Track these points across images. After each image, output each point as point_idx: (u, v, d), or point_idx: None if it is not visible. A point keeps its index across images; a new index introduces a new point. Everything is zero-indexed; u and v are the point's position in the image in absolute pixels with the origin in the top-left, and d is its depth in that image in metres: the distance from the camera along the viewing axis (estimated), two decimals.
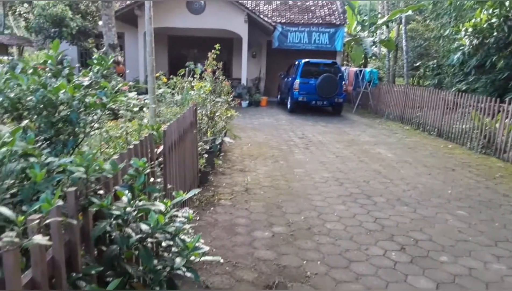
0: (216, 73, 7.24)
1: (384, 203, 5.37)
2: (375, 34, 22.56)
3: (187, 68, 8.55)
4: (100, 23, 13.71)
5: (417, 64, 21.54)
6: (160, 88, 7.42)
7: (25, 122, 1.57)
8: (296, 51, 17.54)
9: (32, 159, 1.52)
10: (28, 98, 2.10)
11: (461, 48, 12.54)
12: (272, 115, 13.81)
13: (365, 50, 20.07)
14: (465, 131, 9.53)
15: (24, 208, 1.45)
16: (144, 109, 5.34)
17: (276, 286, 3.28)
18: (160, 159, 3.51)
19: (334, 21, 17.78)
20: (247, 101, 15.98)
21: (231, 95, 8.16)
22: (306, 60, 13.90)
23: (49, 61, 2.11)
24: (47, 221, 1.12)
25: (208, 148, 6.26)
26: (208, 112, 6.81)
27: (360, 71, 15.45)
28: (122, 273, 1.91)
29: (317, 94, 13.43)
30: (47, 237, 1.07)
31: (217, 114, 7.16)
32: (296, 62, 14.58)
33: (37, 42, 19.93)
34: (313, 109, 14.63)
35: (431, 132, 11.06)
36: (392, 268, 3.68)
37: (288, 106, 14.63)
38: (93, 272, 1.56)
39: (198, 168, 5.76)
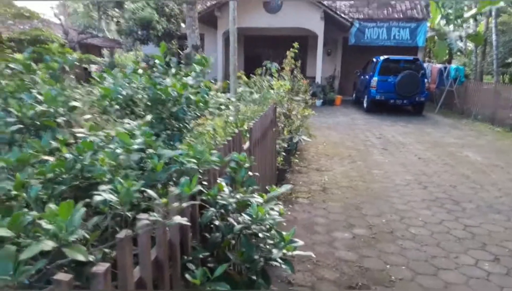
0: (294, 71, 7.27)
1: (474, 210, 5.00)
2: (461, 28, 20.91)
3: (264, 67, 8.71)
4: (183, 25, 14.48)
5: (509, 60, 19.53)
6: (239, 87, 7.66)
7: (148, 117, 1.76)
8: (373, 47, 16.92)
9: (150, 151, 1.69)
10: (140, 96, 2.32)
11: None
12: (347, 115, 13.50)
13: (449, 46, 18.71)
14: None
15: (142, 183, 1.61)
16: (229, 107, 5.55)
17: (359, 287, 3.24)
18: None
19: (416, 16, 16.83)
20: (321, 100, 15.81)
21: (309, 94, 8.16)
22: (385, 56, 13.36)
23: (157, 61, 2.32)
24: (186, 204, 1.25)
25: (286, 146, 6.33)
26: (285, 110, 6.88)
27: (445, 68, 14.46)
28: (221, 259, 2.04)
29: (397, 93, 12.85)
30: (186, 218, 1.19)
31: (293, 113, 7.20)
32: (374, 59, 14.08)
33: (126, 44, 21.61)
34: (391, 108, 14.02)
35: None
36: (485, 279, 3.44)
37: (364, 105, 14.20)
38: (200, 256, 1.69)
39: (276, 165, 5.85)
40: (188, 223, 1.29)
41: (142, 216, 1.20)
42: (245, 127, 4.38)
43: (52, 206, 0.91)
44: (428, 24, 17.87)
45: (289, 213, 4.77)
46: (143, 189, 1.21)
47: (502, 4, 16.86)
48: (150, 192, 1.21)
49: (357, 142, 9.02)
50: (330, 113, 13.66)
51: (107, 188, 1.14)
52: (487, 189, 5.84)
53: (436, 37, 18.57)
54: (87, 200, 1.56)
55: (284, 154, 6.14)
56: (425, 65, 15.02)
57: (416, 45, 16.94)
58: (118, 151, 1.37)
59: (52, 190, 1.27)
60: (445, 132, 10.46)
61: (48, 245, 0.85)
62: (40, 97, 1.68)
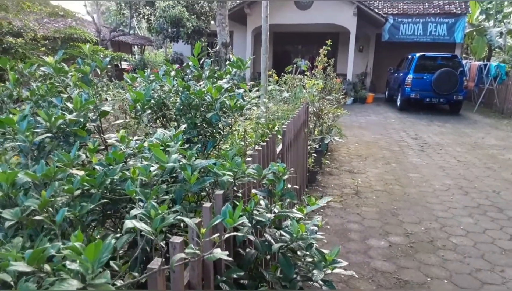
0: (328, 70, 7.05)
1: None
2: (502, 23, 19.87)
3: (295, 65, 8.51)
4: (213, 22, 14.44)
5: None
6: (269, 85, 7.50)
7: (183, 126, 1.65)
8: (408, 44, 16.33)
9: (183, 161, 1.57)
10: (172, 99, 2.22)
11: None
12: (380, 113, 13.09)
13: (489, 42, 17.81)
14: None
15: (177, 207, 1.51)
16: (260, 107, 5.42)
17: None
18: (278, 159, 3.50)
19: (454, 10, 16.09)
20: (352, 98, 15.41)
21: (342, 93, 7.91)
22: (422, 53, 12.83)
23: (191, 63, 2.20)
24: (227, 235, 1.13)
25: (317, 146, 6.14)
26: (317, 110, 6.67)
27: (485, 65, 13.74)
28: (255, 277, 1.91)
29: (433, 91, 12.32)
30: (226, 252, 1.07)
31: (325, 112, 6.98)
32: (409, 56, 13.56)
33: (157, 41, 21.89)
34: (426, 107, 13.49)
35: None
36: None
37: (398, 103, 13.72)
38: (234, 276, 1.56)
39: (307, 167, 5.68)
40: (229, 258, 1.17)
41: (176, 239, 1.09)
42: (277, 128, 4.24)
43: (76, 244, 0.80)
44: (466, 19, 17.09)
45: (320, 218, 4.59)
46: (179, 217, 1.09)
47: None
48: (188, 221, 1.09)
49: (391, 142, 8.69)
50: (361, 112, 13.28)
51: (139, 213, 1.03)
52: None
53: (474, 33, 17.71)
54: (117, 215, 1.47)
55: (314, 155, 5.95)
56: (463, 62, 14.35)
57: (454, 41, 16.23)
58: (152, 168, 1.26)
59: (80, 208, 1.18)
60: (485, 133, 9.93)
61: (73, 285, 0.75)
62: (70, 105, 1.60)
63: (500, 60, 21.47)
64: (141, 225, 0.97)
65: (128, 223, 0.97)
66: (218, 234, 1.11)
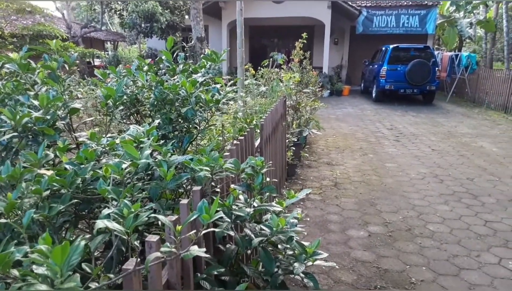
0: (304, 63, 7.06)
1: (494, 204, 4.81)
2: (472, 14, 20.41)
3: (271, 59, 8.49)
4: (187, 17, 14.22)
5: None
6: (246, 79, 7.46)
7: (156, 122, 1.60)
8: (381, 36, 16.58)
9: (158, 157, 1.53)
10: (145, 95, 2.16)
11: None
12: (356, 105, 13.26)
13: (460, 33, 18.27)
14: None
15: (153, 205, 1.46)
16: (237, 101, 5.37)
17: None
18: (257, 153, 3.48)
19: (426, 2, 16.41)
20: (329, 91, 15.54)
21: (319, 86, 7.95)
22: (395, 45, 13.04)
23: (164, 57, 2.15)
24: (204, 232, 1.09)
25: (295, 140, 6.16)
26: (294, 103, 6.68)
27: (456, 55, 14.10)
28: (236, 272, 1.89)
29: (407, 82, 12.57)
30: (204, 249, 1.03)
31: (302, 105, 7.01)
32: (383, 48, 13.77)
33: (130, 37, 21.44)
34: (400, 98, 13.75)
35: None
36: (511, 279, 3.27)
37: (373, 95, 13.93)
38: (215, 272, 1.54)
39: (286, 160, 5.69)
40: (207, 255, 1.14)
41: (152, 238, 1.05)
42: (255, 122, 4.21)
43: (43, 247, 0.75)
44: (438, 10, 17.46)
45: (300, 210, 4.61)
46: (153, 215, 1.06)
47: None
48: (162, 218, 1.05)
49: (368, 134, 8.81)
50: (338, 104, 13.42)
51: (111, 212, 0.99)
52: (506, 181, 5.63)
53: (446, 24, 18.12)
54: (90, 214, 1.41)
55: (293, 148, 5.97)
56: (435, 53, 14.67)
57: (426, 32, 16.56)
58: (124, 165, 1.22)
59: (49, 209, 1.12)
60: (458, 122, 10.21)
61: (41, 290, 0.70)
62: (35, 102, 1.53)
63: (471, 51, 22.13)
64: (113, 225, 0.93)
65: (100, 223, 0.93)
66: (195, 231, 1.08)
